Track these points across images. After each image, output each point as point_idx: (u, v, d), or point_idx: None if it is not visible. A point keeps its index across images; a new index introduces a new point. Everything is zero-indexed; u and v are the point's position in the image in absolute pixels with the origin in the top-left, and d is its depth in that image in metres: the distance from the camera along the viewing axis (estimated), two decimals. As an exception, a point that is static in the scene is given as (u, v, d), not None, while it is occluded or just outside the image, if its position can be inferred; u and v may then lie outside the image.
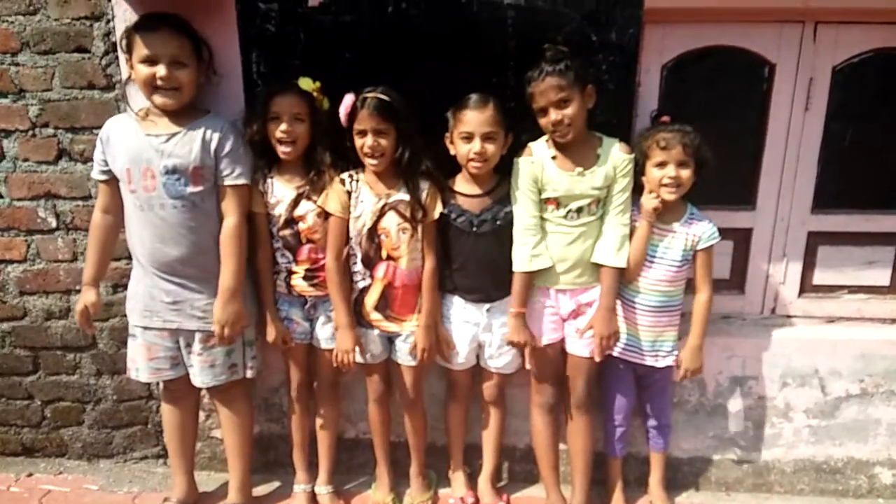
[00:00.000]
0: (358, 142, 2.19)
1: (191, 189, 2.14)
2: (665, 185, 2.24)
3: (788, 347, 2.59)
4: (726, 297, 2.67)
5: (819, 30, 2.39)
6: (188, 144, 2.12)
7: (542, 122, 2.18)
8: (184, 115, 2.15)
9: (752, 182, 2.56)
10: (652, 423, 2.58)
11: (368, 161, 2.21)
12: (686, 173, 2.23)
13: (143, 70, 2.05)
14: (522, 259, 2.27)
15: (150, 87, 2.07)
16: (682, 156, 2.22)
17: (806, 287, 2.67)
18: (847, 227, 2.59)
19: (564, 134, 2.17)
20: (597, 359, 2.30)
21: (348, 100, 2.17)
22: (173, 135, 2.13)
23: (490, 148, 2.20)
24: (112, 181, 2.21)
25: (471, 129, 2.18)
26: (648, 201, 2.27)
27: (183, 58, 2.09)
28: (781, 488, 2.73)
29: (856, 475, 2.70)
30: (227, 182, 2.18)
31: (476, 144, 2.18)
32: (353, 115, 2.17)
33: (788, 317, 2.69)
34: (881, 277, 2.64)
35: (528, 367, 2.45)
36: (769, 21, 2.38)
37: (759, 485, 2.73)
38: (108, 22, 2.29)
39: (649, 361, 2.41)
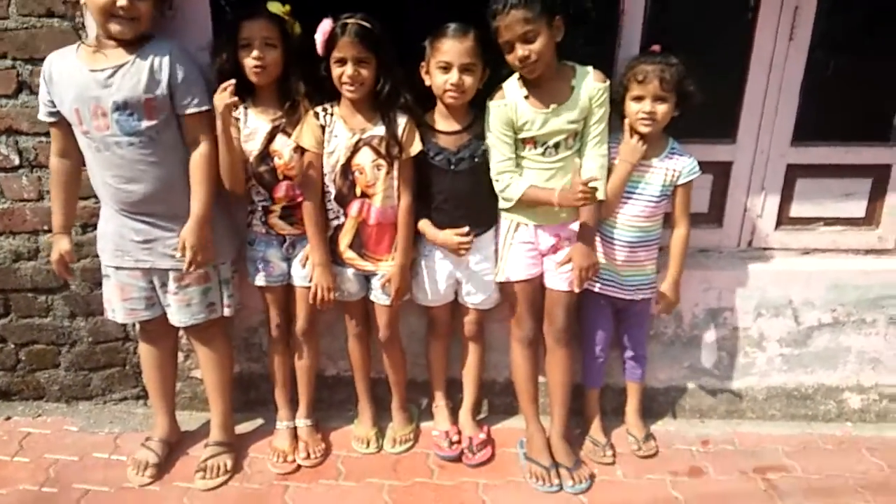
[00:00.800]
0: (336, 71, 2.10)
1: (146, 123, 2.03)
2: (640, 120, 2.21)
3: (764, 279, 2.63)
4: (704, 230, 2.68)
5: (806, -45, 2.34)
6: (135, 76, 2.00)
7: (509, 58, 2.09)
8: (132, 44, 2.02)
9: (734, 115, 2.54)
10: (629, 354, 2.63)
11: (346, 90, 2.12)
12: (663, 108, 2.20)
13: None
14: (516, 188, 2.21)
15: (107, 14, 1.94)
16: (658, 90, 2.17)
17: (783, 220, 2.69)
18: (826, 160, 2.60)
19: (532, 70, 2.10)
20: (576, 290, 2.29)
21: (326, 25, 2.06)
22: (118, 67, 2.00)
23: (468, 80, 2.13)
24: (63, 122, 2.09)
25: (449, 59, 2.10)
26: (633, 147, 2.23)
27: None
28: (753, 414, 2.82)
29: (825, 400, 2.80)
30: (189, 111, 2.07)
31: (454, 75, 2.11)
32: (331, 42, 2.06)
33: (765, 249, 2.72)
34: (857, 209, 2.68)
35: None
36: (756, -54, 2.33)
37: (731, 411, 2.81)
38: (63, -57, 2.15)
39: (627, 295, 2.43)
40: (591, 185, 2.03)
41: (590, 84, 2.17)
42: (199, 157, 2.12)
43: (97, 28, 2.02)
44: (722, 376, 2.77)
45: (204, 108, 2.09)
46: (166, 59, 2.03)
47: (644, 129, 2.23)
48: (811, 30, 2.42)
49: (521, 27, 2.01)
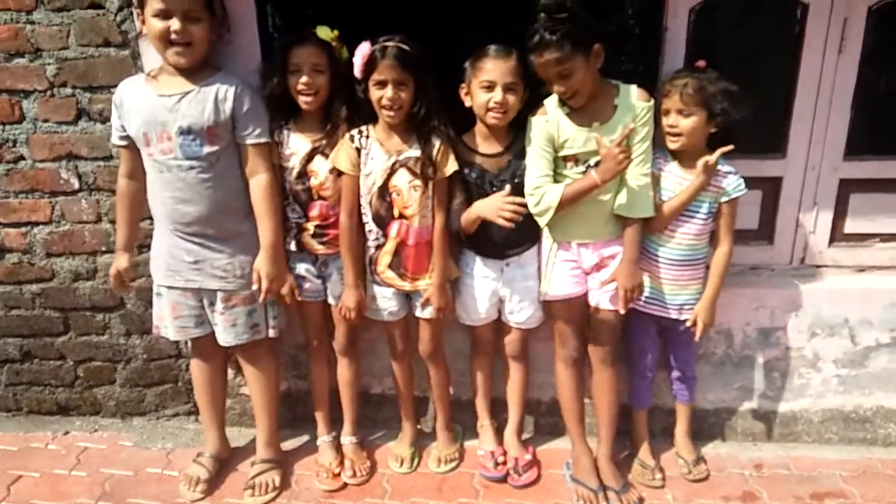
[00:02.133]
0: (376, 93, 2.10)
1: (207, 149, 2.09)
2: (666, 134, 2.17)
3: (818, 297, 2.52)
4: (755, 247, 2.59)
5: (855, -33, 2.27)
6: (201, 104, 2.06)
7: (551, 89, 2.08)
8: (196, 73, 2.08)
9: (783, 129, 2.45)
10: (676, 374, 2.54)
11: (385, 113, 2.13)
12: (687, 123, 2.13)
13: (157, 24, 1.97)
14: (551, 197, 2.13)
15: (164, 42, 2.00)
16: (679, 104, 2.12)
17: (836, 236, 2.58)
18: (880, 174, 2.49)
19: (575, 101, 2.07)
20: (621, 311, 2.24)
21: (365, 48, 2.07)
22: (185, 94, 2.06)
23: (511, 99, 2.12)
24: (132, 146, 2.16)
25: (493, 78, 2.09)
26: (706, 168, 2.15)
27: (196, 12, 2.00)
28: (809, 437, 2.69)
29: (885, 424, 2.65)
30: (249, 141, 2.13)
31: (498, 94, 2.09)
32: (370, 65, 2.07)
33: (818, 266, 2.61)
34: (915, 225, 2.56)
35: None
36: (802, -42, 2.27)
37: (785, 434, 2.69)
38: (122, -24, 2.22)
39: (673, 315, 2.35)
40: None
41: (633, 103, 2.12)
42: (261, 187, 2.16)
43: (161, 57, 2.08)
44: (775, 398, 2.65)
45: (264, 139, 2.15)
46: (232, 91, 2.08)
47: (671, 145, 2.18)
48: (861, 42, 2.33)
49: (555, 67, 1.98)
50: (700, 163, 2.17)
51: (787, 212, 2.55)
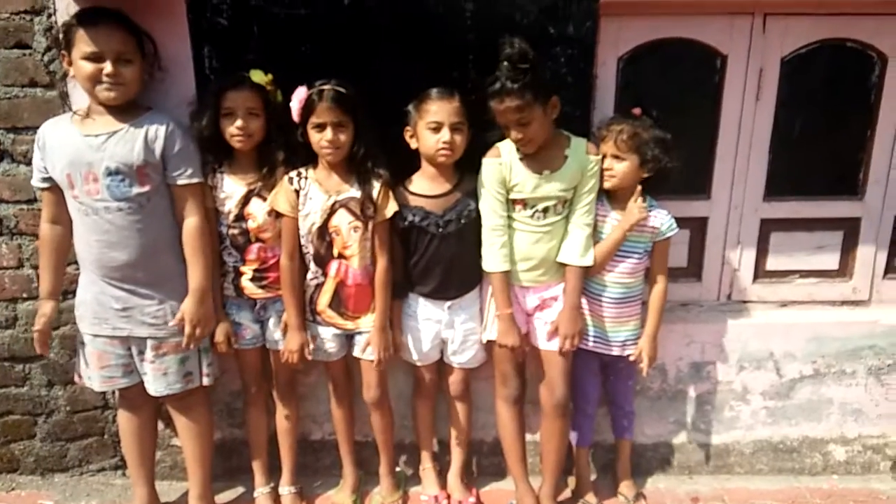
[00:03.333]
0: (315, 136, 2.09)
1: (136, 189, 2.01)
2: (604, 175, 2.24)
3: (745, 332, 2.60)
4: (684, 284, 2.67)
5: (768, 21, 2.39)
6: (130, 142, 1.99)
7: (506, 134, 2.12)
8: (125, 111, 2.01)
9: (707, 171, 2.55)
10: (617, 410, 2.56)
11: (325, 154, 2.11)
12: (620, 166, 2.21)
13: (87, 67, 1.91)
14: (495, 259, 2.21)
15: (94, 82, 1.93)
16: (613, 149, 2.20)
17: (760, 273, 2.68)
18: (798, 214, 2.61)
19: (528, 147, 2.12)
20: (560, 354, 2.27)
21: (302, 92, 2.07)
22: (113, 133, 1.99)
23: (458, 138, 2.14)
24: (55, 188, 2.05)
25: (439, 119, 2.11)
26: (637, 210, 2.22)
27: (128, 54, 1.96)
28: (741, 469, 2.75)
29: (811, 453, 2.74)
30: (181, 182, 2.06)
31: (445, 134, 2.11)
32: (308, 108, 2.06)
33: (744, 302, 2.70)
34: (830, 261, 2.67)
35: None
36: (720, 13, 2.38)
37: (720, 467, 2.74)
38: (49, 16, 2.13)
39: (615, 351, 2.39)
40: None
41: (583, 156, 2.19)
42: (192, 229, 2.09)
43: (88, 96, 2.01)
44: (708, 431, 2.71)
45: (195, 180, 2.09)
46: (163, 130, 2.02)
47: (605, 184, 2.25)
48: (776, 90, 2.47)
49: (515, 114, 2.03)
50: (629, 205, 2.23)
51: (713, 250, 2.64)
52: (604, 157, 2.22)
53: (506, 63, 1.99)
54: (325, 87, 2.06)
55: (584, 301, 2.33)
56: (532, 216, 2.21)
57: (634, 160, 2.20)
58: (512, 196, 2.20)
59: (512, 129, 2.08)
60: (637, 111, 2.25)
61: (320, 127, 2.08)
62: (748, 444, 2.72)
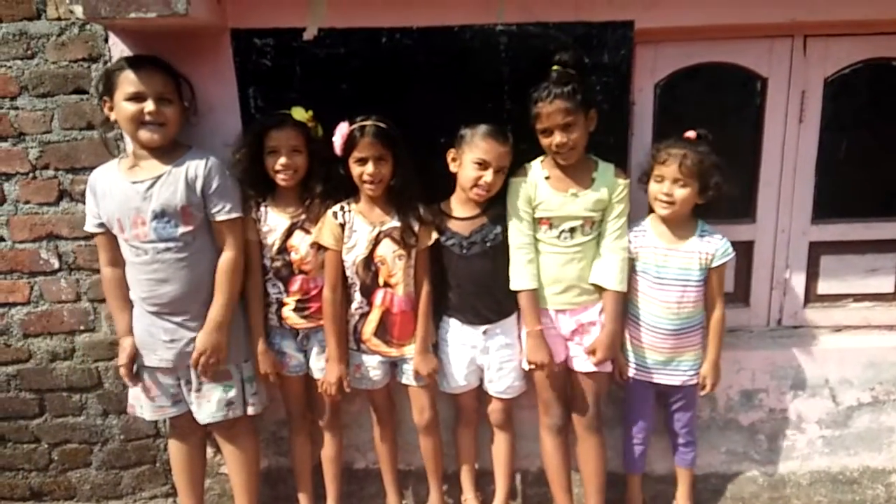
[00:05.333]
0: (356, 170, 2.12)
1: (181, 230, 2.06)
2: (658, 201, 2.18)
3: (797, 358, 2.50)
4: (732, 310, 2.55)
5: (808, 43, 2.34)
6: (172, 185, 2.04)
7: (545, 142, 2.11)
8: (167, 153, 2.08)
9: (751, 195, 2.49)
10: (678, 439, 2.46)
11: (367, 187, 2.14)
12: (682, 193, 2.14)
13: (130, 108, 1.98)
14: (522, 277, 2.19)
15: (136, 123, 2.00)
16: (677, 173, 2.13)
17: (811, 297, 2.58)
18: (847, 236, 2.51)
19: (567, 157, 2.11)
20: (597, 380, 2.24)
21: (344, 128, 2.10)
22: (157, 178, 2.05)
23: (498, 182, 2.16)
24: (108, 233, 2.13)
25: (488, 159, 2.12)
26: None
27: (168, 94, 2.03)
28: (799, 501, 2.60)
29: (872, 484, 2.58)
30: (219, 218, 2.11)
31: (489, 175, 2.12)
32: (350, 143, 2.10)
33: (795, 327, 2.59)
34: (884, 284, 2.56)
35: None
36: (759, 36, 2.33)
37: (775, 498, 2.60)
38: (105, 63, 2.22)
39: (676, 381, 2.30)
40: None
41: (610, 179, 2.17)
42: (225, 263, 2.13)
43: (131, 140, 2.08)
44: (763, 461, 2.59)
45: (234, 215, 2.13)
46: (202, 169, 2.07)
47: (661, 211, 2.18)
48: (820, 112, 2.39)
49: (563, 117, 2.04)
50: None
51: (761, 274, 2.55)
52: (661, 180, 2.16)
53: (557, 66, 2.06)
54: (367, 122, 2.09)
55: (641, 330, 2.29)
56: (559, 237, 2.19)
57: (695, 187, 2.14)
58: (538, 214, 2.19)
59: (557, 133, 2.06)
60: (692, 135, 2.18)
61: (362, 161, 2.11)
62: (805, 475, 2.59)
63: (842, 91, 2.38)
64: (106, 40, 2.22)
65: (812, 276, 2.56)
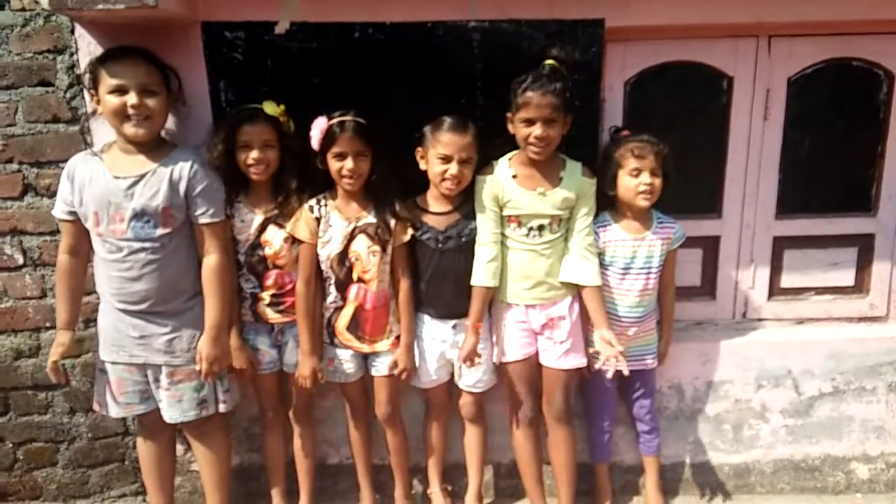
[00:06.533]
0: (335, 165, 2.09)
1: (160, 231, 2.00)
2: (641, 193, 2.19)
3: (761, 350, 2.53)
4: (698, 303, 2.61)
5: (773, 43, 2.37)
6: (156, 185, 1.98)
7: (524, 132, 2.08)
8: (153, 150, 2.01)
9: (718, 191, 2.51)
10: (643, 427, 2.50)
11: (346, 183, 2.12)
12: (658, 182, 2.19)
13: (113, 100, 1.91)
14: (480, 274, 2.19)
15: (121, 116, 1.93)
16: (654, 164, 2.17)
17: (774, 290, 2.62)
18: (810, 231, 2.55)
19: (542, 152, 2.10)
20: (625, 373, 2.16)
21: (322, 123, 2.07)
22: (141, 176, 1.98)
23: (466, 172, 2.14)
24: (77, 221, 2.04)
25: (449, 153, 2.10)
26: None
27: (153, 86, 1.96)
28: (763, 489, 2.65)
29: (833, 472, 2.64)
30: (203, 221, 2.05)
31: (454, 168, 2.11)
32: (329, 138, 2.07)
33: (759, 320, 2.63)
34: (845, 278, 2.61)
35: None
36: (725, 36, 2.35)
37: (740, 486, 2.65)
38: (71, 55, 2.16)
39: (635, 366, 2.33)
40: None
41: (578, 178, 2.19)
42: (211, 267, 2.08)
43: (116, 133, 2.01)
44: (728, 450, 2.62)
45: (217, 219, 2.08)
46: (187, 170, 2.01)
47: (645, 203, 2.20)
48: (784, 110, 2.43)
49: (550, 111, 2.04)
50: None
51: (726, 269, 2.58)
52: (638, 172, 2.17)
53: (551, 61, 2.08)
54: (346, 118, 2.07)
55: (612, 323, 2.30)
56: (528, 234, 2.20)
57: (660, 175, 2.20)
58: (506, 212, 2.19)
59: (539, 125, 2.05)
60: (626, 133, 2.26)
61: (341, 156, 2.09)
62: (769, 464, 2.63)
63: (805, 90, 2.42)
64: (72, 32, 2.16)
65: (776, 269, 2.60)
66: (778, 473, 2.64)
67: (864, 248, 2.58)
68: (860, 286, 2.62)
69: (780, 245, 2.57)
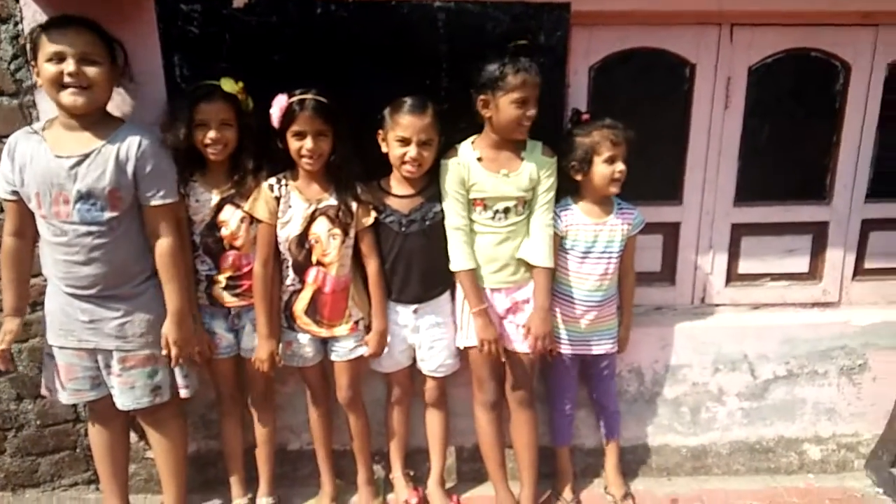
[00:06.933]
0: (294, 144, 2.02)
1: (108, 214, 1.89)
2: (615, 180, 2.18)
3: (718, 335, 2.56)
4: (658, 288, 2.62)
5: (735, 31, 2.37)
6: (101, 165, 1.86)
7: (515, 113, 2.02)
8: (96, 125, 1.89)
9: (678, 178, 2.52)
10: (603, 411, 2.51)
11: (306, 163, 2.04)
12: (624, 167, 2.19)
13: (51, 68, 1.79)
14: (461, 258, 2.16)
15: (57, 85, 1.81)
16: (624, 151, 2.17)
17: (732, 276, 2.64)
18: (767, 219, 2.58)
19: (522, 133, 2.09)
20: (531, 356, 2.24)
21: (282, 100, 1.99)
22: (85, 157, 1.86)
23: (426, 154, 2.09)
24: (21, 201, 1.93)
25: (408, 135, 2.05)
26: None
27: (94, 56, 1.83)
28: (719, 470, 2.69)
29: (786, 453, 2.69)
30: (154, 203, 1.94)
31: (412, 150, 2.06)
32: (289, 116, 1.99)
33: (717, 305, 2.65)
34: (800, 264, 2.65)
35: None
36: (688, 23, 2.35)
37: (697, 468, 2.68)
38: (16, 24, 2.04)
39: (595, 350, 2.34)
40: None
41: (539, 157, 2.17)
42: (166, 250, 1.98)
43: (57, 106, 1.88)
44: (686, 432, 2.65)
45: (169, 200, 1.98)
46: (134, 149, 1.90)
47: (615, 190, 2.21)
48: (745, 98, 2.44)
49: (532, 90, 2.02)
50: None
51: (686, 255, 2.60)
52: (613, 160, 2.16)
53: (526, 42, 2.05)
54: (307, 96, 1.99)
55: (568, 307, 2.30)
56: (493, 217, 2.17)
57: None
58: (472, 195, 2.16)
59: (529, 107, 2.03)
60: (587, 117, 2.23)
61: (300, 135, 2.01)
62: (725, 445, 2.67)
63: (765, 79, 2.43)
64: (17, 0, 2.03)
65: (733, 256, 2.62)
66: (733, 455, 2.68)
67: (819, 235, 2.62)
68: (814, 273, 2.67)
69: (738, 232, 2.59)
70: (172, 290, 2.00)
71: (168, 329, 2.00)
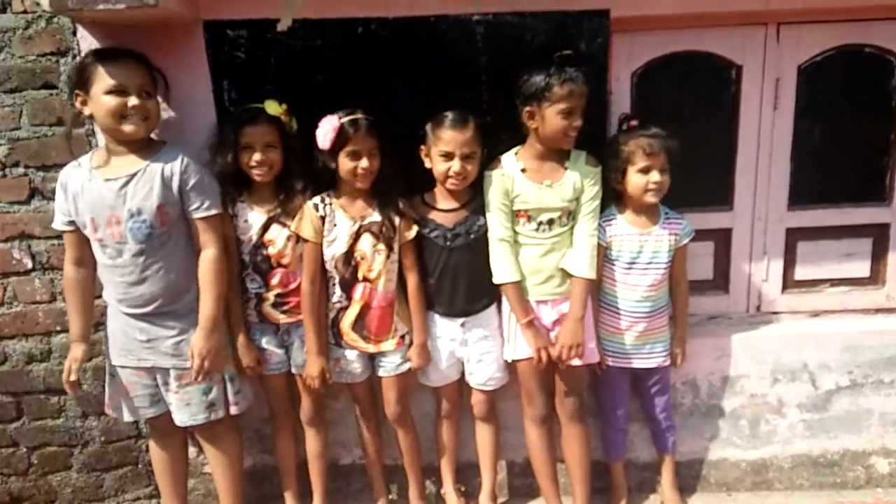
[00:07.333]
0: (349, 164, 2.03)
1: (158, 230, 1.95)
2: (650, 191, 2.12)
3: (776, 344, 2.44)
4: (711, 297, 2.53)
5: (782, 30, 2.29)
6: (148, 183, 1.93)
7: (561, 123, 1.99)
8: (142, 148, 1.96)
9: (728, 182, 2.43)
10: (658, 425, 2.42)
11: (358, 181, 2.06)
12: (666, 178, 2.12)
13: (112, 101, 1.86)
14: (505, 270, 2.12)
15: (117, 117, 1.88)
16: (664, 161, 2.11)
17: (788, 283, 2.53)
18: (823, 222, 2.46)
19: (571, 141, 2.06)
20: (580, 368, 2.18)
21: (333, 121, 2.00)
22: (132, 176, 1.93)
23: (469, 168, 2.08)
24: (78, 231, 2.00)
25: (451, 149, 2.04)
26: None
27: (149, 87, 1.93)
28: (781, 485, 2.56)
29: (853, 466, 2.55)
30: (198, 215, 2.00)
31: (456, 164, 2.05)
32: (342, 137, 2.00)
33: (774, 313, 2.54)
34: (860, 269, 2.52)
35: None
36: (732, 24, 2.28)
37: (758, 483, 2.56)
38: (74, 57, 2.11)
39: (647, 364, 2.27)
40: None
41: (583, 167, 2.13)
42: (207, 260, 2.02)
43: (105, 135, 1.96)
44: (745, 446, 2.53)
45: (213, 212, 2.02)
46: (178, 166, 1.96)
47: (652, 200, 2.14)
48: (795, 98, 2.35)
49: (580, 100, 2.00)
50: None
51: (739, 261, 2.50)
52: (648, 170, 2.10)
53: (570, 53, 2.02)
54: (359, 116, 2.01)
55: (613, 318, 2.25)
56: (537, 229, 2.13)
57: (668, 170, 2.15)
58: (515, 207, 2.13)
59: (576, 118, 2.00)
60: (635, 123, 2.17)
61: (355, 155, 2.02)
62: (787, 459, 2.54)
63: (815, 78, 2.34)
64: (74, 33, 2.11)
65: (789, 262, 2.51)
66: (796, 469, 2.55)
67: (879, 238, 2.49)
68: (876, 277, 2.53)
69: (794, 236, 2.48)
70: (207, 298, 2.02)
71: (195, 338, 2.01)
